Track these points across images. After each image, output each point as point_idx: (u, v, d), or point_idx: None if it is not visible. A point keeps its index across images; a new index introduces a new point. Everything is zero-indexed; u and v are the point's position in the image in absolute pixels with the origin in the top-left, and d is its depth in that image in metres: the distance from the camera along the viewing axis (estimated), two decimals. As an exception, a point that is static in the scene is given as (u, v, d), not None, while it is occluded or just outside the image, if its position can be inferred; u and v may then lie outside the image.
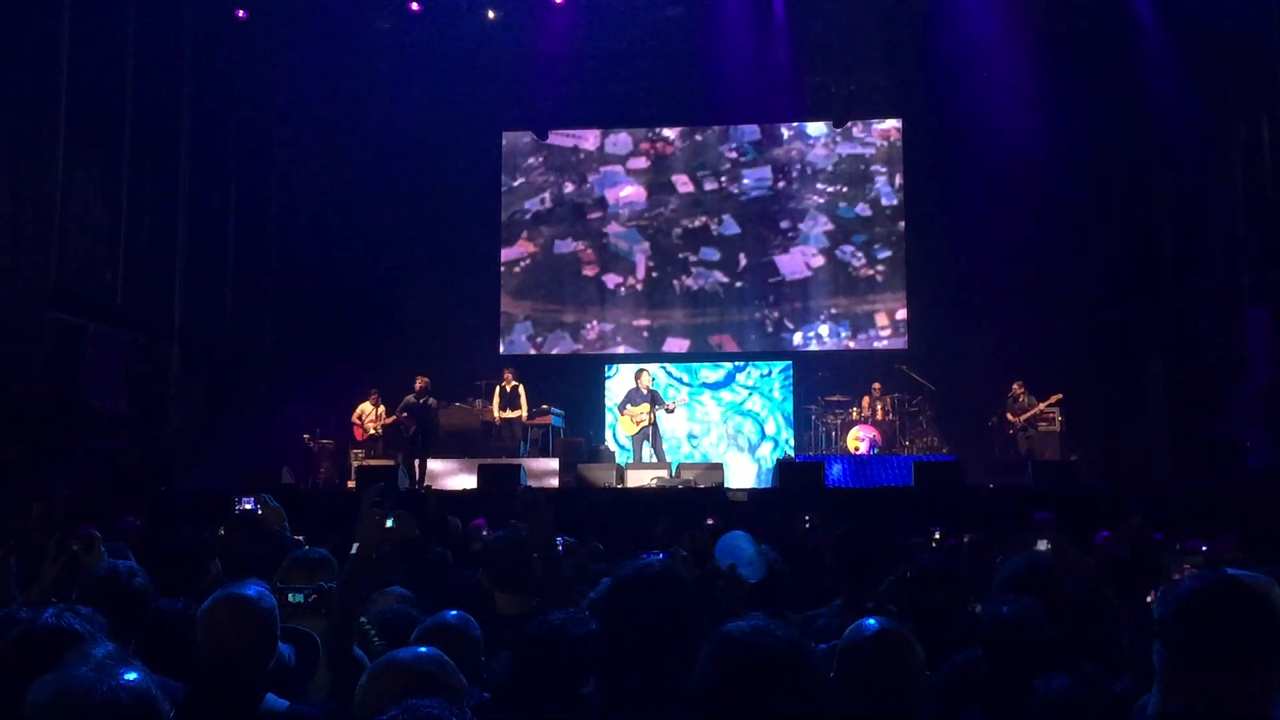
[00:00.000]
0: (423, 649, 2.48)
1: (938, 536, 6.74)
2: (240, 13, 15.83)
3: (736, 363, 17.69)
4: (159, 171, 14.71)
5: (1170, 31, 14.60)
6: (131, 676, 1.83)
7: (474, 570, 4.51)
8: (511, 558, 4.19)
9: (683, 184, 18.15)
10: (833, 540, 4.73)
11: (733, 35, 16.34)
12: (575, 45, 16.46)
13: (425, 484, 13.48)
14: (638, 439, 14.97)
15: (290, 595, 3.55)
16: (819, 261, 17.71)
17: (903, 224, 17.62)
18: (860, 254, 17.64)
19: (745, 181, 18.03)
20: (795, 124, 17.96)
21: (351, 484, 13.87)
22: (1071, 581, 3.84)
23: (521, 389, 15.42)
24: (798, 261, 17.79)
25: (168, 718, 1.90)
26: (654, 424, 14.92)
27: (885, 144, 17.80)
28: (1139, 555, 4.94)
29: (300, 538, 5.38)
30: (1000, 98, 16.19)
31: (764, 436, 17.41)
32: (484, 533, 6.98)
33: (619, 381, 17.42)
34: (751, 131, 18.11)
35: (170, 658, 3.06)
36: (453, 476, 13.92)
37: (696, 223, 18.03)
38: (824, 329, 17.62)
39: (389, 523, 5.44)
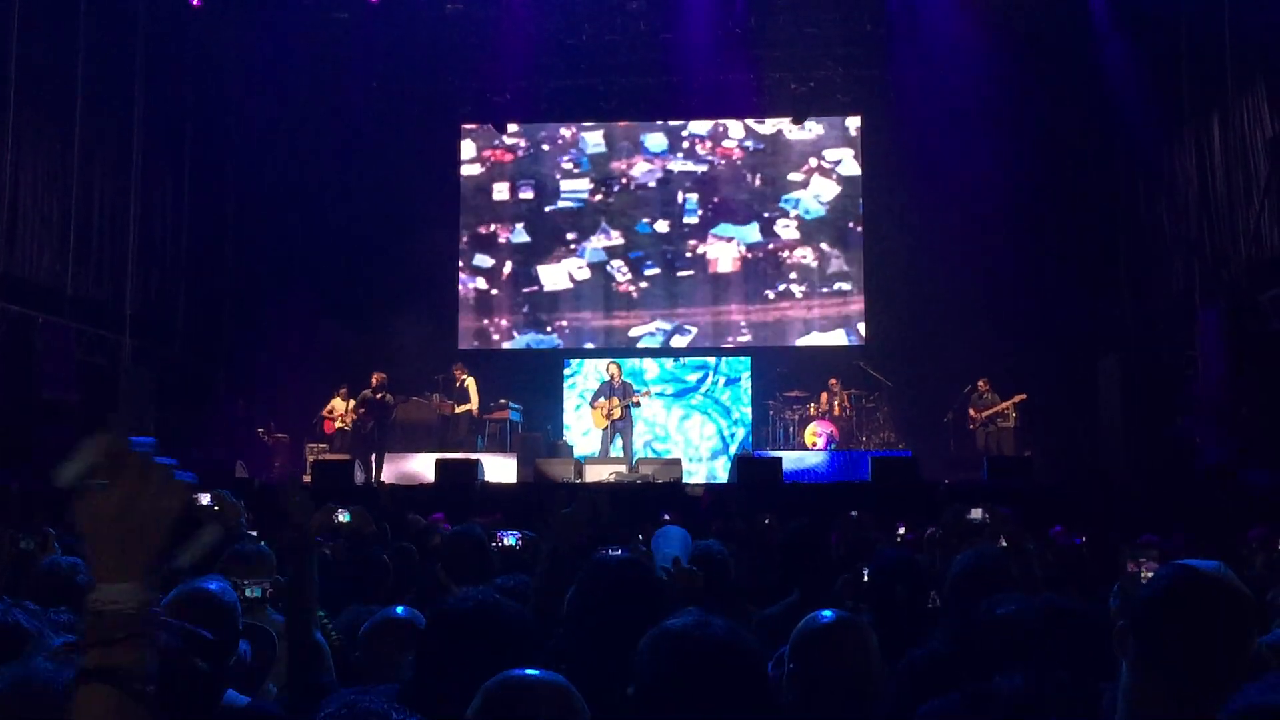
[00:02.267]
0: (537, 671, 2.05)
1: (902, 532, 6.76)
2: (195, 1, 15.62)
3: (694, 359, 17.74)
4: (110, 161, 14.48)
5: (1126, 35, 14.76)
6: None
7: (433, 564, 4.48)
8: (471, 552, 4.17)
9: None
10: (782, 537, 4.75)
11: (693, 30, 16.33)
12: (535, 39, 16.36)
13: (379, 479, 13.40)
14: (608, 432, 14.93)
15: (247, 589, 3.51)
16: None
17: (860, 221, 17.73)
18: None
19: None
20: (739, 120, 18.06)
21: (307, 478, 13.74)
22: (1024, 574, 3.88)
23: (471, 383, 15.34)
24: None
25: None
26: (626, 417, 14.88)
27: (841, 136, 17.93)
28: (1094, 549, 5.00)
29: (254, 533, 5.32)
30: (959, 97, 16.32)
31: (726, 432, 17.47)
32: (442, 527, 6.93)
33: (581, 376, 17.43)
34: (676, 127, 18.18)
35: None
36: (410, 471, 13.85)
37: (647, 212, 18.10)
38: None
39: (344, 517, 5.40)
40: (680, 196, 18.15)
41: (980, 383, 15.02)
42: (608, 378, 15.23)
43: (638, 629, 2.09)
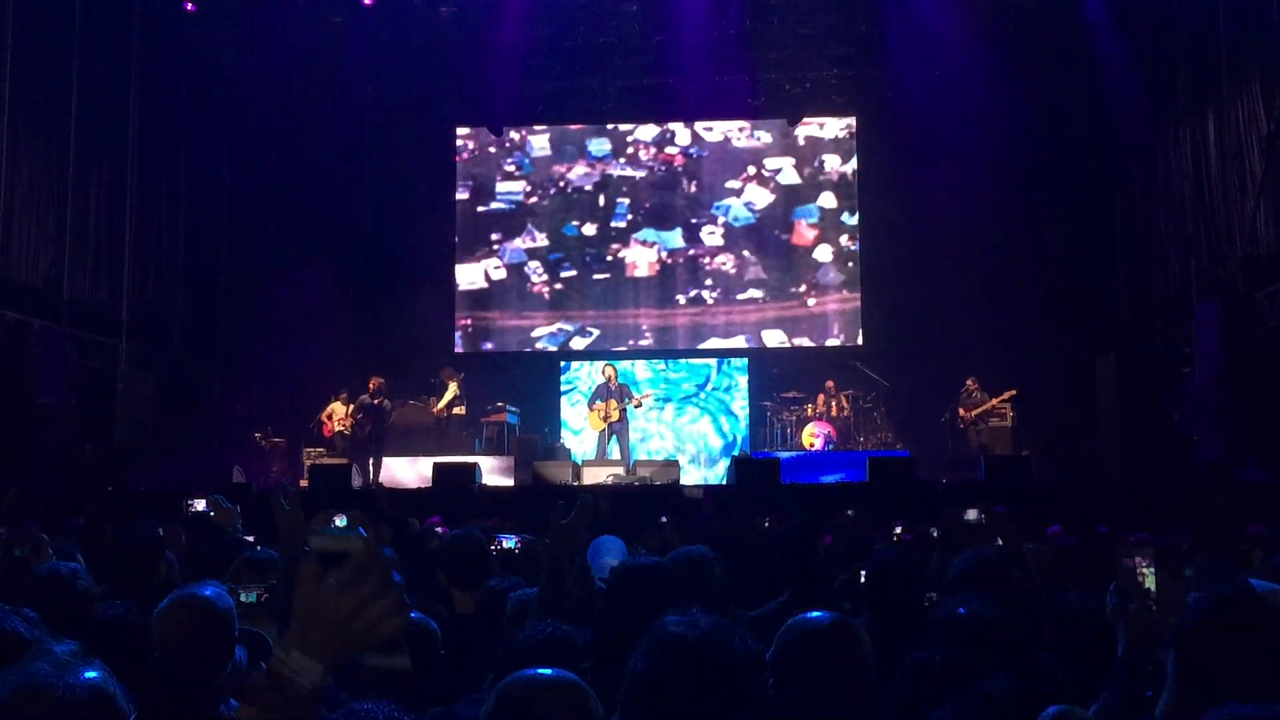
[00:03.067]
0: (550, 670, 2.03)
1: (899, 531, 6.75)
2: (189, 5, 15.60)
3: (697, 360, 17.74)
4: (106, 166, 14.47)
5: (1120, 32, 14.76)
6: (92, 675, 1.79)
7: (431, 569, 4.47)
8: (469, 556, 4.17)
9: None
10: (777, 536, 4.73)
11: (688, 32, 16.33)
12: (530, 41, 16.35)
13: (378, 483, 13.39)
14: (605, 434, 14.91)
15: (242, 595, 3.50)
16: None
17: (856, 220, 17.73)
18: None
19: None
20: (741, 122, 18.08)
21: (304, 483, 13.72)
22: (1022, 574, 3.88)
23: (452, 385, 15.32)
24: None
25: (128, 718, 1.86)
26: (623, 419, 14.88)
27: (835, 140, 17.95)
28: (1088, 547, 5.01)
29: (251, 538, 5.31)
30: (953, 96, 16.35)
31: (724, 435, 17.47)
32: (439, 530, 6.92)
33: (579, 378, 17.45)
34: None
35: (112, 661, 3.00)
36: (407, 474, 13.83)
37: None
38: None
39: (341, 522, 5.38)
40: (611, 200, 18.17)
41: (969, 381, 15.05)
42: (604, 380, 15.22)
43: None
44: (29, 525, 6.28)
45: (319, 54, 16.56)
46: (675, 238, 17.98)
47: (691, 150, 18.21)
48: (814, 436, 15.35)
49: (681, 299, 17.86)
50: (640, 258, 17.96)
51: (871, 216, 17.56)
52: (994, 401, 14.80)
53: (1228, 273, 12.57)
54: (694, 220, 18.00)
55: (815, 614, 2.57)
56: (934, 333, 16.14)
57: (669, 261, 17.94)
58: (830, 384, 15.75)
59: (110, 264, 14.53)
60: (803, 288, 17.76)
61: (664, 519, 6.49)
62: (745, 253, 17.87)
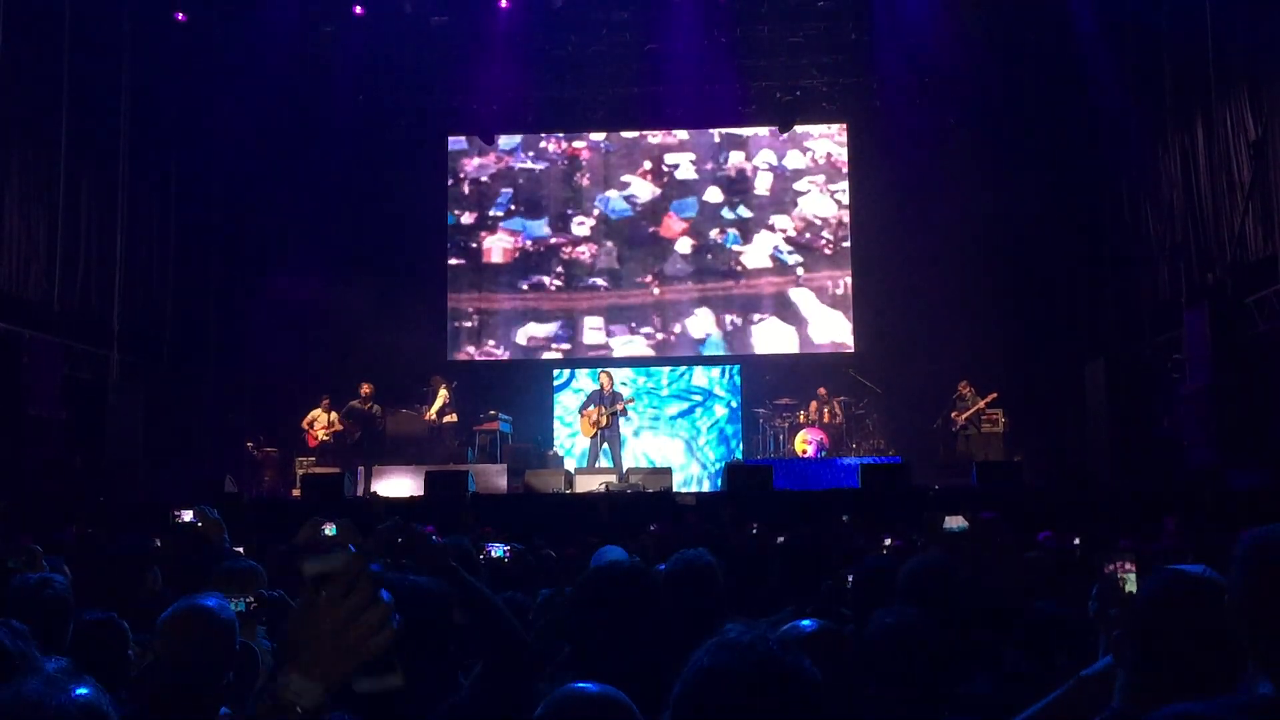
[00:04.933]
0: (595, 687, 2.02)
1: (889, 542, 6.74)
2: (180, 15, 15.61)
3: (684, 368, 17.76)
4: (96, 176, 14.47)
5: (1110, 39, 14.82)
6: (83, 691, 1.79)
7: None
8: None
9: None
10: (778, 547, 4.72)
11: (679, 41, 16.38)
12: (521, 50, 16.39)
13: (371, 492, 13.36)
14: (595, 441, 14.88)
15: (231, 604, 3.50)
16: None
17: (848, 228, 17.77)
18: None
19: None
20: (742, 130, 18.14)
21: (296, 492, 13.71)
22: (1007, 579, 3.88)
23: (442, 393, 15.32)
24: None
25: (120, 735, 1.86)
26: (613, 425, 14.84)
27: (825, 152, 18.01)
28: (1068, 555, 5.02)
29: (240, 549, 5.30)
30: (944, 104, 16.42)
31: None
32: (432, 539, 6.90)
33: (572, 387, 17.47)
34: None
35: (95, 671, 3.00)
36: (399, 483, 13.80)
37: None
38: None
39: (331, 530, 5.38)
40: (496, 190, 18.46)
41: (961, 385, 15.11)
42: (599, 386, 15.21)
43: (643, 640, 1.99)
44: (22, 537, 6.28)
45: (311, 64, 16.59)
46: (540, 227, 18.29)
47: (602, 145, 18.48)
48: (806, 443, 15.35)
49: (525, 285, 18.20)
50: (496, 245, 18.35)
51: (862, 221, 17.59)
52: (981, 403, 14.86)
53: (1217, 278, 12.62)
54: (569, 211, 18.29)
55: (807, 623, 2.63)
56: (926, 339, 16.18)
57: (526, 249, 18.29)
58: (822, 391, 15.76)
59: (101, 275, 14.51)
60: (649, 277, 18.00)
61: (653, 528, 6.50)
62: (609, 243, 18.15)
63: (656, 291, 17.98)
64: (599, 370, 15.74)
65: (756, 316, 17.84)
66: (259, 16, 15.76)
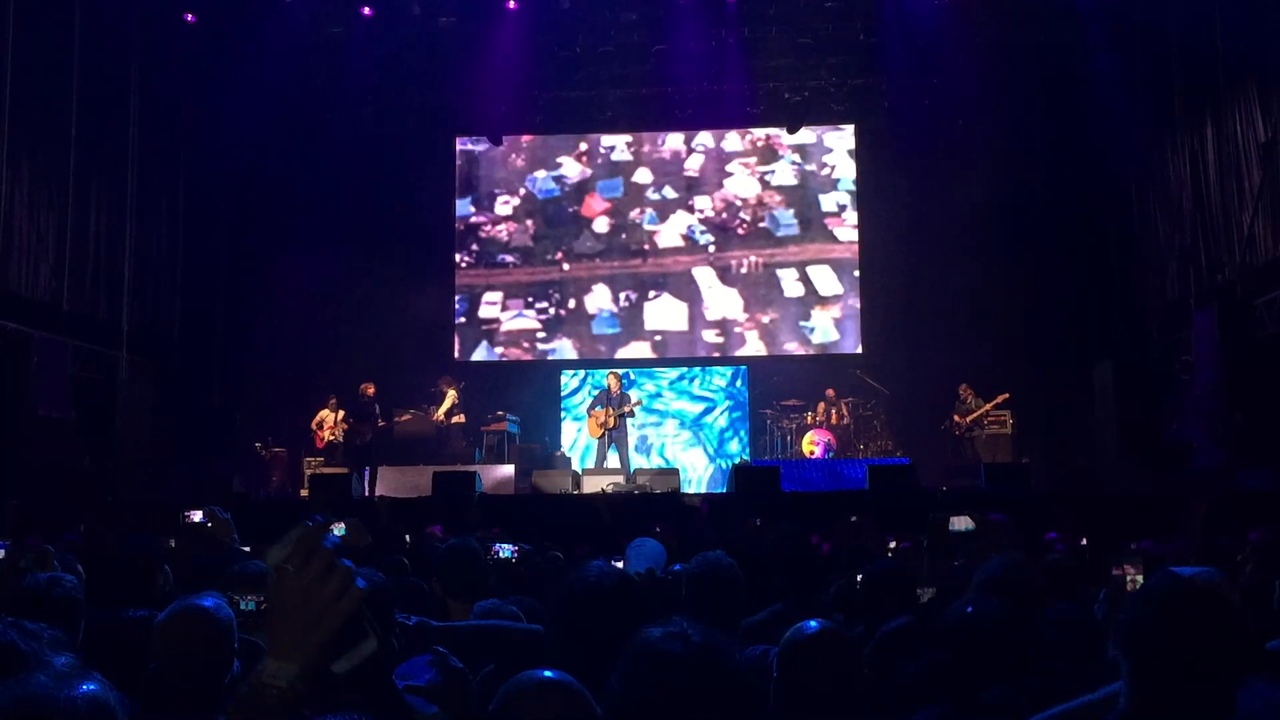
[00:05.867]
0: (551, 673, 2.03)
1: (894, 545, 6.73)
2: (189, 16, 15.65)
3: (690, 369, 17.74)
4: (106, 177, 14.50)
5: (1118, 42, 14.80)
6: (90, 687, 1.80)
7: (425, 578, 4.47)
8: (465, 567, 4.17)
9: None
10: (773, 542, 4.73)
11: (687, 41, 16.39)
12: (529, 51, 16.41)
13: (377, 492, 13.38)
14: (604, 442, 14.88)
15: (241, 603, 3.51)
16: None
17: (856, 229, 17.74)
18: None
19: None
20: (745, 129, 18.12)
21: (305, 492, 13.73)
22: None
23: (450, 395, 15.33)
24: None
25: (128, 730, 1.87)
26: (620, 426, 14.84)
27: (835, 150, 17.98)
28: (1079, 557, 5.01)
29: (248, 549, 5.31)
30: (952, 105, 16.39)
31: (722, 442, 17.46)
32: (439, 539, 6.92)
33: (578, 386, 17.47)
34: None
35: (107, 670, 3.01)
36: (407, 483, 13.82)
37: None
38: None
39: (339, 531, 5.39)
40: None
41: (962, 388, 15.08)
42: (606, 387, 15.22)
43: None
44: (33, 538, 6.29)
45: (319, 65, 16.62)
46: (465, 205, 18.37)
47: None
48: (814, 444, 15.35)
49: (462, 261, 18.31)
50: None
51: (870, 223, 17.56)
52: (988, 406, 14.83)
53: (1226, 280, 12.59)
54: (497, 192, 18.34)
55: (813, 623, 2.63)
56: (934, 340, 16.13)
57: (455, 227, 18.37)
58: (830, 392, 15.75)
59: (110, 276, 14.55)
60: (558, 255, 18.06)
61: (658, 529, 6.49)
62: (529, 222, 18.21)
63: (566, 268, 18.04)
64: (607, 372, 15.75)
65: (652, 294, 17.87)
66: (268, 19, 15.80)
